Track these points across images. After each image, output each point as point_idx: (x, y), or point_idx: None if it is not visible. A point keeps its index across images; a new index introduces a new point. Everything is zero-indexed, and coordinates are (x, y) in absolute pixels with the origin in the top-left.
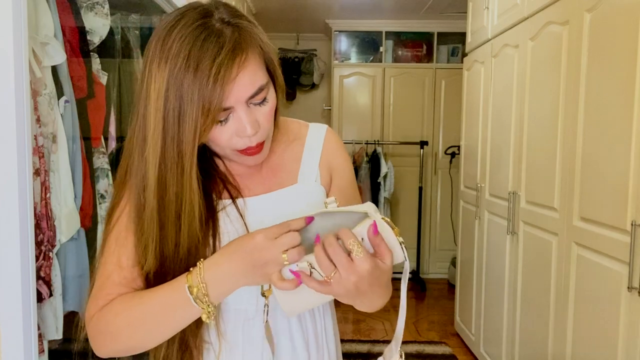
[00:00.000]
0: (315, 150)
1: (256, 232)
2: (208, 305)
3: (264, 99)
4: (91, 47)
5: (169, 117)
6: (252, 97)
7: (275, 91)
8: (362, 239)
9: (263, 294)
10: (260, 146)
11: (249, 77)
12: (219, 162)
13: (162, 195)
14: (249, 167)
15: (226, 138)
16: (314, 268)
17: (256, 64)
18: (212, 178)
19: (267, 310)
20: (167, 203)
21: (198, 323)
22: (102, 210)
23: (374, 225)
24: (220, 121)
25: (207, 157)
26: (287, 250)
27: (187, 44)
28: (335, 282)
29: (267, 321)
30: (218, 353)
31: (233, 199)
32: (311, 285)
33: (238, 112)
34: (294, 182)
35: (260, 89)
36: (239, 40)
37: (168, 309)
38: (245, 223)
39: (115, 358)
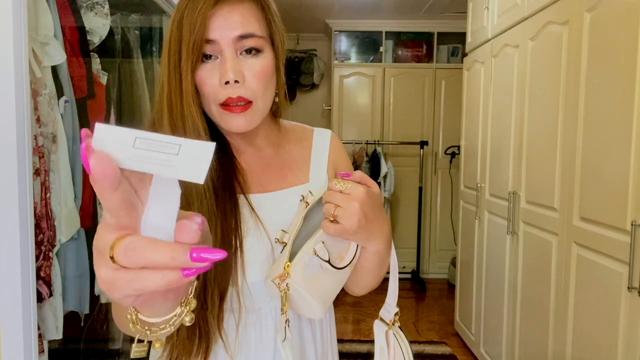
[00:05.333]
0: (323, 153)
1: None
2: (141, 325)
3: (255, 51)
4: (91, 47)
5: (172, 48)
6: (240, 39)
7: (278, 63)
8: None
9: (281, 309)
10: (245, 105)
11: (239, 16)
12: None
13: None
14: (259, 159)
15: (211, 84)
16: (324, 248)
17: (251, 13)
18: (225, 172)
19: (288, 326)
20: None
21: (213, 315)
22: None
23: (346, 175)
24: (207, 57)
25: (221, 153)
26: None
27: None
28: (342, 215)
29: (285, 338)
30: (233, 352)
31: (244, 193)
32: (328, 230)
33: (224, 53)
34: (305, 181)
35: (251, 35)
36: None
37: (122, 316)
38: (258, 218)
39: None
